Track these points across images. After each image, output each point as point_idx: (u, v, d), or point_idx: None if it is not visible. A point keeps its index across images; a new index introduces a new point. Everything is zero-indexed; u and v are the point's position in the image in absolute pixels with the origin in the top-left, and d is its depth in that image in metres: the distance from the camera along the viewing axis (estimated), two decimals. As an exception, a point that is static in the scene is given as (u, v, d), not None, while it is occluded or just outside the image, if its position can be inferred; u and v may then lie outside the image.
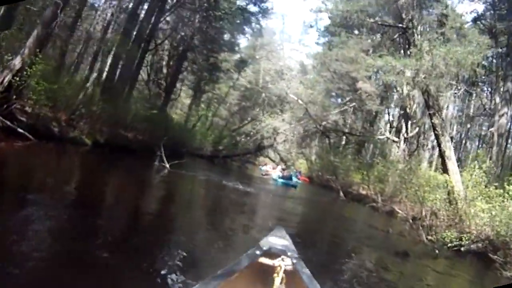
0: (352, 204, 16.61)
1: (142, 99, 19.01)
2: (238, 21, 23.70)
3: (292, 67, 29.65)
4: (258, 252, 2.73)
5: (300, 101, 19.96)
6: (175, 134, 17.92)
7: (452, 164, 11.29)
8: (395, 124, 21.97)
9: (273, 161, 24.84)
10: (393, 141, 19.98)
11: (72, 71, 14.49)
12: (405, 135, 19.50)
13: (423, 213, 10.56)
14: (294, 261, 2.65)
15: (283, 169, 20.50)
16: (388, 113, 23.04)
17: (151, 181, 10.07)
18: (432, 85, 11.37)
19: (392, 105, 22.94)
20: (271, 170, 21.08)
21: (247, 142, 22.59)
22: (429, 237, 9.41)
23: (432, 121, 11.99)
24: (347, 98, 21.99)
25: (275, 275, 2.51)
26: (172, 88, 24.03)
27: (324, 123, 20.27)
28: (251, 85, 28.62)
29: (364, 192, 18.24)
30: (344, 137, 21.75)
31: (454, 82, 17.93)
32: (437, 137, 12.09)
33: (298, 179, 20.86)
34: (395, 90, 20.93)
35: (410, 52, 12.47)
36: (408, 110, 19.74)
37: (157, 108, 22.18)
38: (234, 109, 29.67)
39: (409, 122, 19.68)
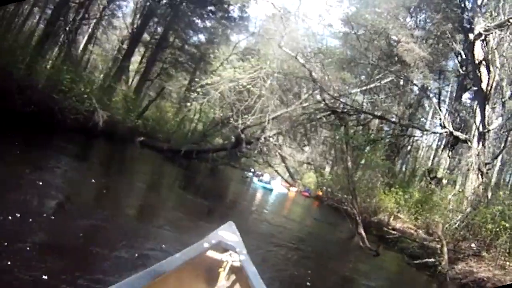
0: (383, 257, 8.56)
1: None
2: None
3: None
4: (206, 245, 2.61)
5: (298, 58, 12.04)
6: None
7: None
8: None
9: (281, 175, 17.56)
10: (458, 139, 11.71)
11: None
12: (480, 128, 11.18)
13: None
14: (242, 257, 2.57)
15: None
16: (439, 97, 14.50)
17: None
18: None
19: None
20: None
21: (223, 133, 15.07)
22: None
23: None
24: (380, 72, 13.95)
25: (221, 269, 2.52)
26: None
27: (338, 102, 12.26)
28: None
29: (400, 226, 10.16)
30: (368, 129, 13.21)
31: None
32: None
33: (308, 194, 17.33)
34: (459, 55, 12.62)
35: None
36: (483, 86, 11.37)
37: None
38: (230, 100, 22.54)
39: (487, 107, 11.35)
